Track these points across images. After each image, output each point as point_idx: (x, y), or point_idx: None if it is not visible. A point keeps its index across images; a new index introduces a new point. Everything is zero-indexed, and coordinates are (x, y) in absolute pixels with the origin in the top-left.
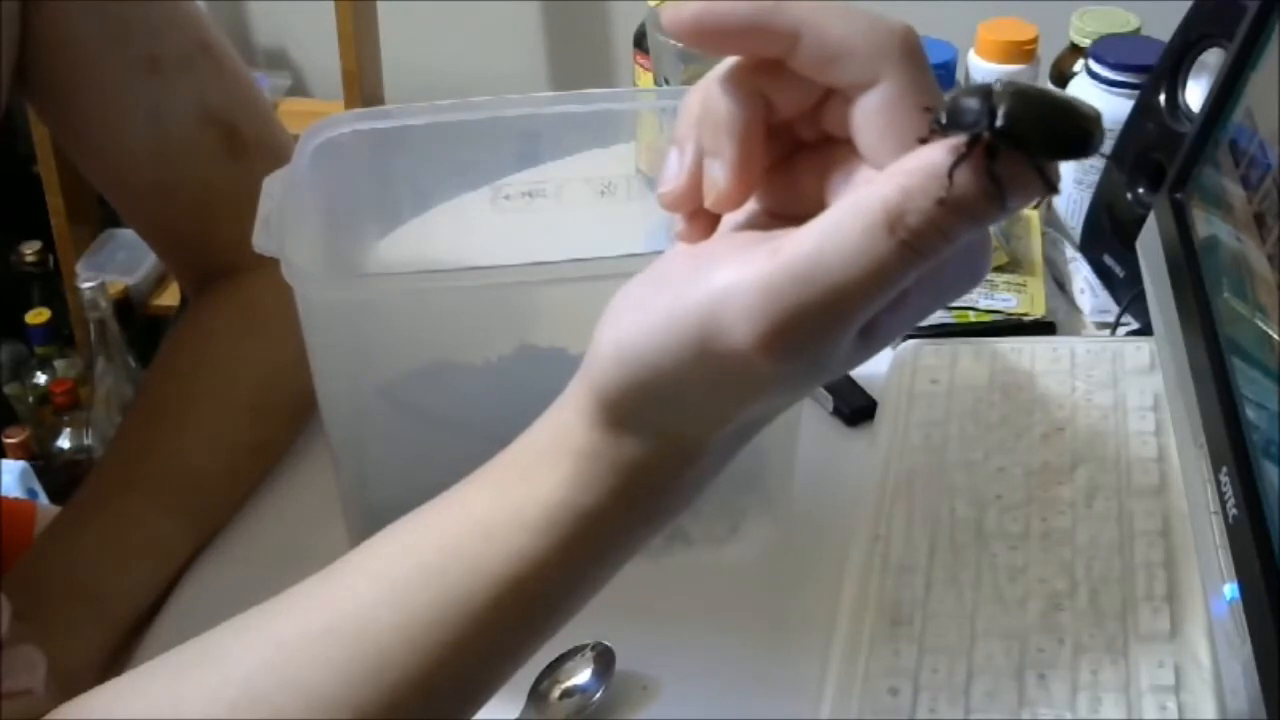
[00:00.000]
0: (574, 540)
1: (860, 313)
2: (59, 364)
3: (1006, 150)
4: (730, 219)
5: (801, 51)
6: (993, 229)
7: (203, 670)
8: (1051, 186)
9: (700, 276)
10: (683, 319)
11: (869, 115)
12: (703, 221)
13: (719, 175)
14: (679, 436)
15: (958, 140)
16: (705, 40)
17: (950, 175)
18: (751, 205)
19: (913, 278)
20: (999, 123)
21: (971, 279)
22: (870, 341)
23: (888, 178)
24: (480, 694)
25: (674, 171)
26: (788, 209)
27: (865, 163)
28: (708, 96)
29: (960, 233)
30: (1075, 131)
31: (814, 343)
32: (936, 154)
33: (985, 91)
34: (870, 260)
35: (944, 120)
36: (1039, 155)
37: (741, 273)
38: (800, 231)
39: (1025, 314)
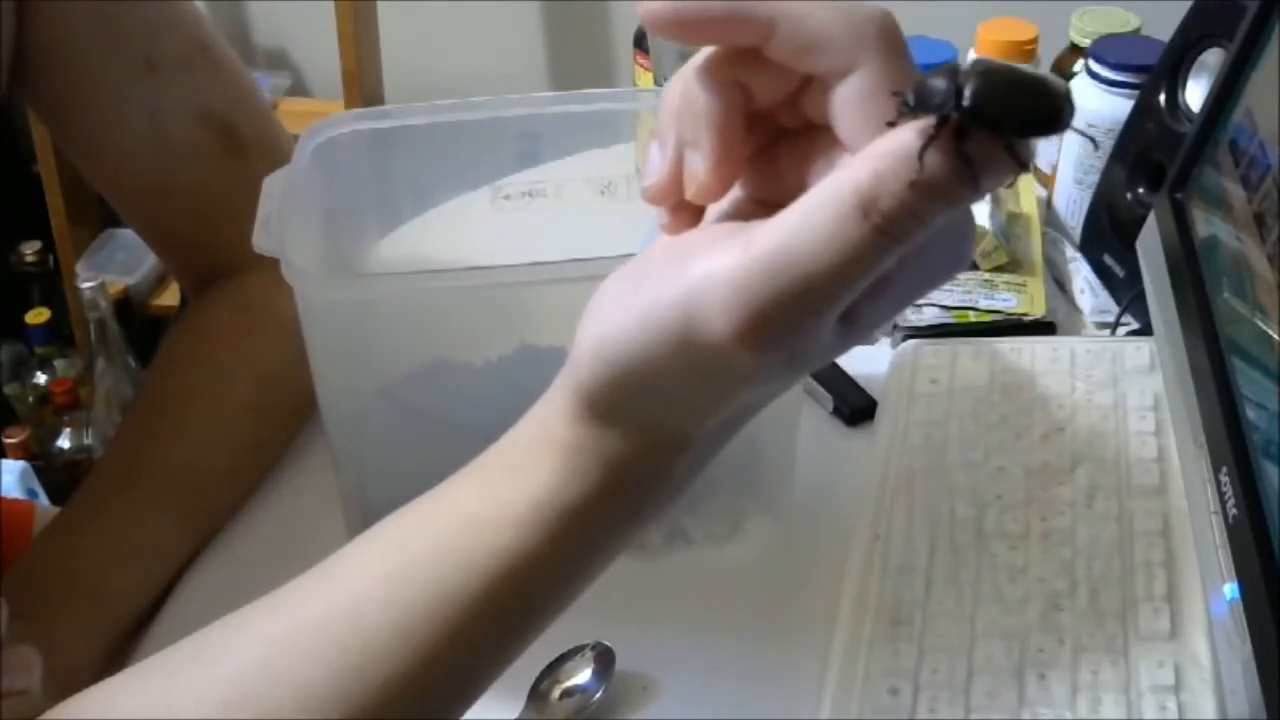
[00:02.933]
0: (561, 534)
1: (837, 300)
2: (59, 364)
3: (976, 130)
4: (716, 207)
5: (778, 41)
6: (993, 229)
7: (196, 668)
8: (1023, 165)
9: (678, 270)
10: (662, 314)
11: (848, 102)
12: (687, 213)
13: (699, 167)
14: (663, 430)
15: (927, 122)
16: (681, 31)
17: (921, 157)
18: (736, 193)
19: (890, 262)
20: (966, 102)
21: (956, 263)
22: (853, 329)
23: (859, 162)
24: (473, 689)
25: (656, 165)
26: (772, 196)
27: (847, 149)
28: (685, 88)
29: (933, 215)
30: (1044, 108)
31: (792, 332)
32: (907, 136)
33: (953, 71)
34: (844, 246)
35: (912, 102)
36: (1009, 134)
37: (717, 264)
38: (773, 220)
39: (1025, 314)
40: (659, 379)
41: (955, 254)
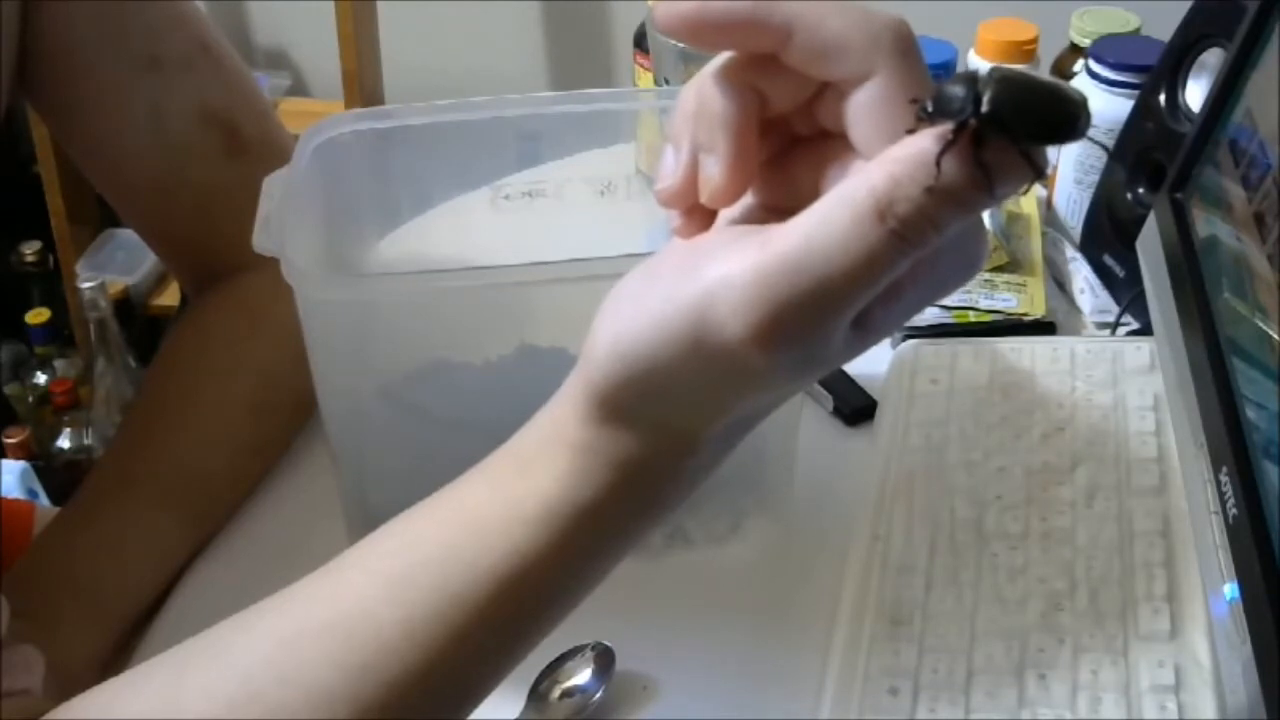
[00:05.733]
0: (571, 534)
1: (852, 303)
2: (59, 364)
3: (993, 137)
4: (727, 214)
5: (795, 46)
6: (993, 229)
7: (202, 667)
8: (1039, 172)
9: (693, 271)
10: (676, 314)
11: (863, 109)
12: (699, 217)
13: (714, 171)
14: (675, 430)
15: (945, 128)
16: (698, 36)
17: (938, 163)
18: (748, 200)
19: (904, 267)
20: (984, 109)
21: (967, 271)
22: (865, 334)
23: (877, 166)
24: (480, 688)
25: (670, 168)
26: (784, 203)
27: (860, 156)
28: (701, 92)
29: (949, 220)
30: (1061, 116)
31: (806, 334)
32: (924, 142)
33: (971, 79)
34: (860, 249)
35: (930, 109)
36: (1025, 141)
37: (733, 265)
38: (791, 223)
39: (1025, 314)
40: (672, 379)
41: (967, 262)
